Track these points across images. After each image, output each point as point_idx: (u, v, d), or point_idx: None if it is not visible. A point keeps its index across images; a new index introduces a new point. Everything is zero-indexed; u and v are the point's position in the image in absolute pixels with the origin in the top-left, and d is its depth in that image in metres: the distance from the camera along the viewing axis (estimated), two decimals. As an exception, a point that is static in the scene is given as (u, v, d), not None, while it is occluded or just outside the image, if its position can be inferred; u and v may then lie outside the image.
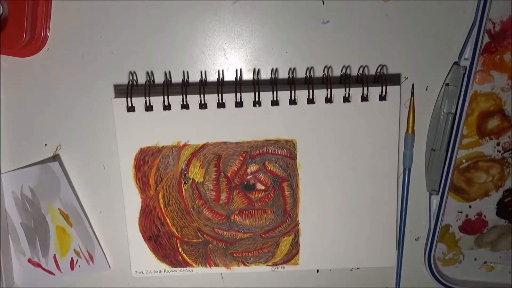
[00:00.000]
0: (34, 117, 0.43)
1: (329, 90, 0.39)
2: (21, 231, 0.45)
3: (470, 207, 0.45)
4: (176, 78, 0.42)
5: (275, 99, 0.40)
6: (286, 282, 0.47)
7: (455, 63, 0.42)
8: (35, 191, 0.44)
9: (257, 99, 0.40)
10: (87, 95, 0.42)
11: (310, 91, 0.39)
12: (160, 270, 0.45)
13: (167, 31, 0.41)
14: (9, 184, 0.44)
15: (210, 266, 0.45)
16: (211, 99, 0.40)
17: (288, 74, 0.42)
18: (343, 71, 0.42)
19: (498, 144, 0.44)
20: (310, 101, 0.40)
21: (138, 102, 0.40)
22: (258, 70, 0.42)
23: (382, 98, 0.40)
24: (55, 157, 0.44)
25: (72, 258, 0.46)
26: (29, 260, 0.46)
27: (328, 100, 0.40)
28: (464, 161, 0.44)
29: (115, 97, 0.40)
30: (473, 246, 0.47)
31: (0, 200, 0.43)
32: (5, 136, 0.43)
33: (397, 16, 0.41)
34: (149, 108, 0.40)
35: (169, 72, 0.42)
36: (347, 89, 0.40)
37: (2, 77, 0.42)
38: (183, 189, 0.42)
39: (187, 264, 0.45)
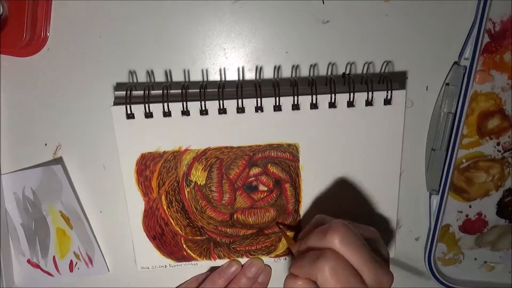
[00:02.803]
0: (34, 117, 0.43)
1: (332, 95, 0.39)
2: (21, 231, 0.45)
3: (470, 207, 0.45)
4: (176, 78, 0.42)
5: (277, 104, 0.39)
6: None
7: (455, 62, 0.42)
8: (37, 192, 0.43)
9: (259, 105, 0.39)
10: (87, 95, 0.42)
11: (314, 96, 0.39)
12: (165, 265, 0.45)
13: (167, 31, 0.41)
14: (10, 184, 0.43)
15: (214, 259, 0.45)
16: (212, 105, 0.39)
17: (291, 74, 0.42)
18: (347, 69, 0.42)
19: (498, 144, 0.44)
20: (314, 106, 0.39)
21: (138, 109, 0.39)
22: (260, 69, 0.42)
23: (387, 102, 0.39)
24: (57, 160, 0.44)
25: (71, 260, 0.46)
26: (28, 261, 0.46)
27: (332, 105, 0.39)
28: (464, 161, 0.44)
29: (114, 105, 0.39)
30: (473, 246, 0.47)
31: (0, 200, 0.43)
32: (5, 136, 0.43)
33: (397, 16, 0.41)
34: (148, 115, 0.39)
35: (170, 71, 0.42)
36: (351, 94, 0.39)
37: (2, 77, 0.42)
38: (185, 191, 0.42)
39: (192, 259, 0.45)
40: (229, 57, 0.42)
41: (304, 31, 0.41)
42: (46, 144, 0.43)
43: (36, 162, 0.44)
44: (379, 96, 0.39)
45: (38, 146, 0.43)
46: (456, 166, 0.44)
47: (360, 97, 0.39)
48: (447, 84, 0.42)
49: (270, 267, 0.46)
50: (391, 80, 0.39)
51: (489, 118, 0.43)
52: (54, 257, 0.46)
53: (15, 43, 0.39)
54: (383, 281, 0.32)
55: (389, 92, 0.39)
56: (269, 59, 0.42)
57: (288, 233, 0.43)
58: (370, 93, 0.39)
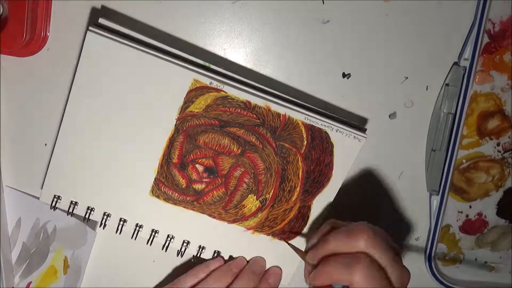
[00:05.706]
0: (34, 117, 0.43)
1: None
2: (19, 247, 0.44)
3: (470, 207, 0.45)
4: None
5: None
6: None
7: (455, 63, 0.42)
8: (58, 232, 0.43)
9: None
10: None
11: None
12: None
13: (166, 31, 0.41)
14: (40, 212, 0.43)
15: None
16: None
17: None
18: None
19: (498, 144, 0.44)
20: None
21: None
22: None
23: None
24: (93, 223, 0.43)
25: None
26: None
27: None
28: (464, 161, 0.44)
29: None
30: (474, 246, 0.47)
31: (0, 201, 0.43)
32: (5, 136, 0.43)
33: (397, 16, 0.41)
34: None
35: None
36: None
37: (2, 77, 0.42)
38: None
39: None
40: (229, 57, 0.42)
41: (304, 31, 0.41)
42: (46, 144, 0.43)
43: (36, 163, 0.43)
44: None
45: (38, 146, 0.43)
46: (456, 167, 0.44)
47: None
48: (447, 84, 0.42)
49: (280, 269, 0.44)
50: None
51: (489, 118, 0.43)
52: (30, 283, 0.45)
53: (15, 43, 0.39)
54: (405, 278, 0.33)
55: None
56: (269, 59, 0.42)
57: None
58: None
